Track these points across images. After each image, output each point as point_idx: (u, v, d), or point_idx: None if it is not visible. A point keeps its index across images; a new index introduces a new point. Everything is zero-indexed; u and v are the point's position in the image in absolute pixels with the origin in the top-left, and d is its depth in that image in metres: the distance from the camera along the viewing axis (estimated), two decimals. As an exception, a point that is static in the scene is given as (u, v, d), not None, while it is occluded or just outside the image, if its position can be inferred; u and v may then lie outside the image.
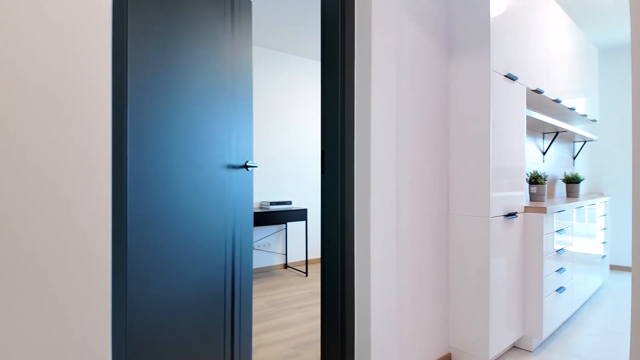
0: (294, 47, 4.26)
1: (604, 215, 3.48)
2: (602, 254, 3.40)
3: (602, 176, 4.50)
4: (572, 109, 3.13)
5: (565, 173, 3.78)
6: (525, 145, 2.36)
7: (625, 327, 2.58)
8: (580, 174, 4.37)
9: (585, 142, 4.09)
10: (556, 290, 2.40)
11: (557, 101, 2.81)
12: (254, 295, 3.34)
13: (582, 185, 4.36)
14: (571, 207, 2.63)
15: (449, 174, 2.17)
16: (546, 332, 2.27)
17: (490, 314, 1.99)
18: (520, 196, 2.31)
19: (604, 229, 3.49)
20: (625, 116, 4.32)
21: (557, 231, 2.42)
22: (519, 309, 2.27)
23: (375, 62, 1.68)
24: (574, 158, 4.18)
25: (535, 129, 3.15)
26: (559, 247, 2.45)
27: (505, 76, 2.11)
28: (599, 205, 3.35)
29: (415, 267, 1.94)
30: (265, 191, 4.27)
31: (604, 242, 3.45)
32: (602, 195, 4.34)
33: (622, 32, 3.89)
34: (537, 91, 2.49)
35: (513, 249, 2.22)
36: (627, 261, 4.28)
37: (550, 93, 2.70)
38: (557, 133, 3.31)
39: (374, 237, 1.69)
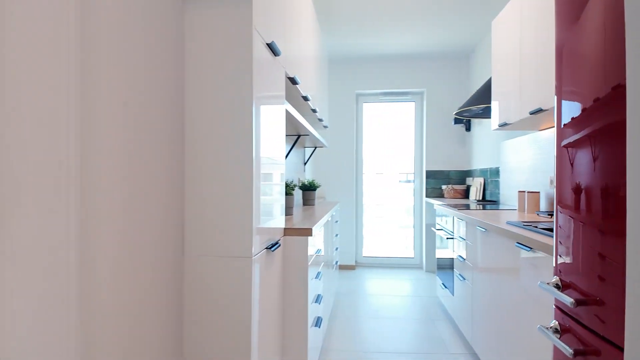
0: None
1: (337, 221, 3.50)
2: (336, 259, 3.40)
3: (321, 181, 4.73)
4: (315, 110, 2.91)
5: (300, 179, 3.65)
6: (284, 148, 1.81)
7: (365, 345, 2.46)
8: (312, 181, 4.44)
9: (316, 147, 4.13)
10: (315, 325, 1.98)
11: (306, 99, 2.45)
12: None
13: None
14: (325, 220, 2.31)
15: (185, 193, 1.33)
16: (309, 382, 1.80)
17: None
18: (281, 216, 1.74)
19: (337, 235, 3.52)
20: (343, 125, 4.68)
21: (315, 253, 2.01)
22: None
23: None
24: (305, 164, 4.17)
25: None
26: (316, 272, 2.05)
27: (268, 44, 1.46)
28: (336, 212, 3.31)
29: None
30: None
31: (336, 248, 3.46)
32: (324, 199, 4.56)
33: (345, 44, 4.10)
34: (294, 81, 2.00)
35: (274, 291, 1.61)
36: (347, 260, 4.62)
37: (302, 88, 2.30)
38: (299, 136, 3.04)
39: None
